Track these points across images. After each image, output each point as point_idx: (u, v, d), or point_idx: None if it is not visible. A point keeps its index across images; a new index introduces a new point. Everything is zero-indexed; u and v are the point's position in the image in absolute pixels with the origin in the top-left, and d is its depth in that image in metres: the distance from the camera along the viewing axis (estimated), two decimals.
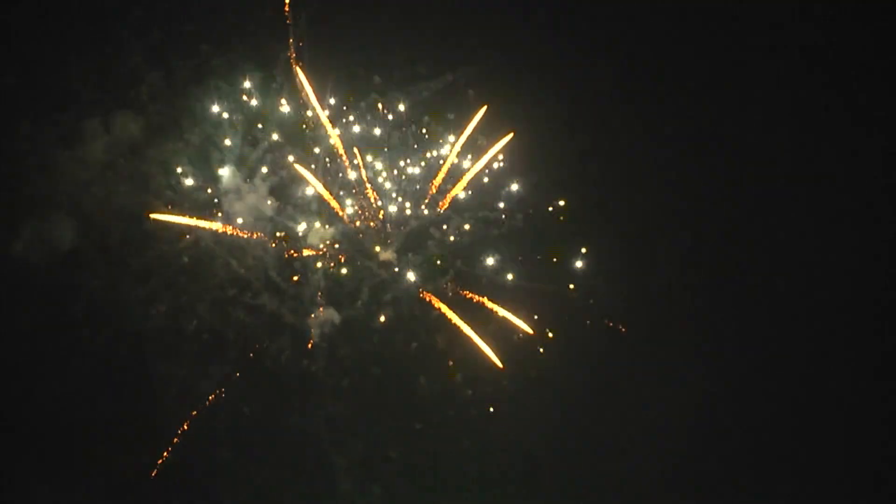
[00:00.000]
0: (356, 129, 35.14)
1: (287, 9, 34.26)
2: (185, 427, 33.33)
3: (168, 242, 33.69)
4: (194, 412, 33.43)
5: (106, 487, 33.06)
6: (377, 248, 35.03)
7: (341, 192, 34.96)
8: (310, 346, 34.06)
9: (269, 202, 34.06)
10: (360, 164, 34.67)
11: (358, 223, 34.96)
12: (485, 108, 34.51)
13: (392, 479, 34.51)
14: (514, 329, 34.42)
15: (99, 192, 33.17)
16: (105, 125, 33.38)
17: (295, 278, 34.42)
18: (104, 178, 33.28)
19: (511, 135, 34.59)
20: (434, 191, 35.17)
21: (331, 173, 34.82)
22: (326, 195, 34.53)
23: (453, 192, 34.99)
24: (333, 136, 34.51)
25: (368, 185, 34.79)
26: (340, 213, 34.86)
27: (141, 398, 33.61)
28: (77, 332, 33.20)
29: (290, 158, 34.51)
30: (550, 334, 34.61)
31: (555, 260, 35.23)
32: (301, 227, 34.34)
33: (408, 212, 35.31)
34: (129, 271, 33.63)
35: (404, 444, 34.63)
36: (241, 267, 33.93)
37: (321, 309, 34.15)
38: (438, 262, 34.97)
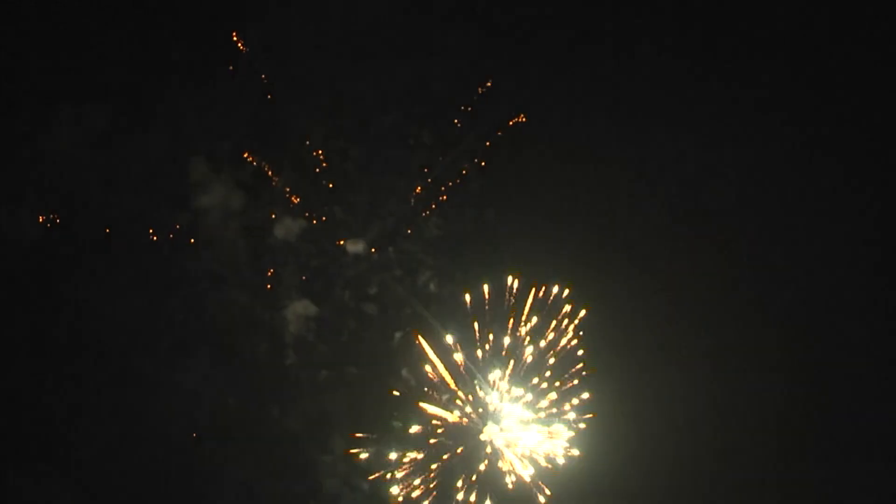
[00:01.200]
0: None
1: None
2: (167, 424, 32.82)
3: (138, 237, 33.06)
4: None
5: (87, 484, 32.63)
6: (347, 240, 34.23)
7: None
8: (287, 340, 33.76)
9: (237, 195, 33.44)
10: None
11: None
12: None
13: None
14: None
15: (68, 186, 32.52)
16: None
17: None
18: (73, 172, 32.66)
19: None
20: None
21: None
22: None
23: None
24: None
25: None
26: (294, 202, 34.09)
27: (119, 395, 32.95)
28: (49, 328, 32.75)
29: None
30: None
31: None
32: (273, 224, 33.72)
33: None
34: (99, 267, 32.98)
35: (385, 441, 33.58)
36: (214, 262, 33.38)
37: (296, 302, 33.70)
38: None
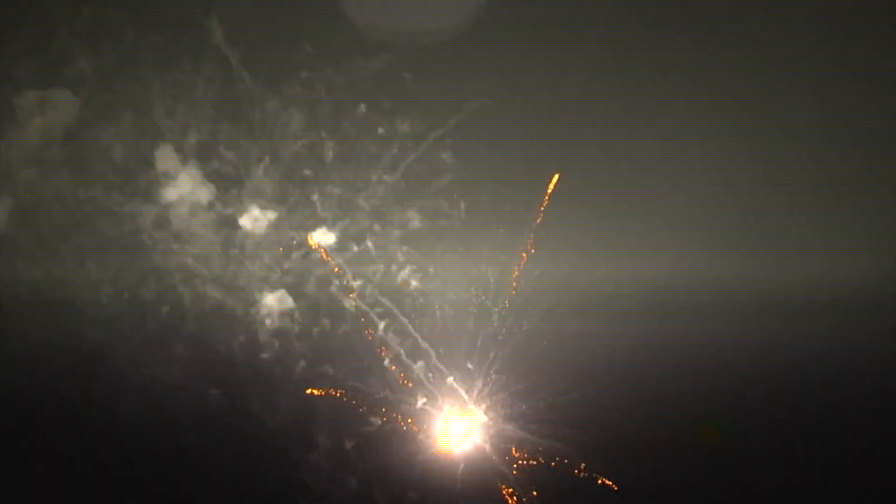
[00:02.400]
0: None
1: None
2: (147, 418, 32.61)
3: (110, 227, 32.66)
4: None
5: (68, 477, 32.68)
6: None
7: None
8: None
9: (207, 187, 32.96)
10: None
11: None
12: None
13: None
14: None
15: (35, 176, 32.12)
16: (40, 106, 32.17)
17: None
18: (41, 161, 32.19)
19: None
20: None
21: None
22: None
23: None
24: None
25: None
26: None
27: (95, 389, 33.26)
28: (18, 325, 32.58)
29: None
30: None
31: None
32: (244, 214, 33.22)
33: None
34: (69, 258, 32.62)
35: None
36: (186, 254, 32.98)
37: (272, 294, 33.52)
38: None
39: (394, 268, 33.29)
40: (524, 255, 33.48)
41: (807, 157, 35.35)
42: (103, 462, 32.62)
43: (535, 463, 33.05)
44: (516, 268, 33.47)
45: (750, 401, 34.55)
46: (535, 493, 32.89)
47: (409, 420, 33.46)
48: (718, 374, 34.93)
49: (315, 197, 33.51)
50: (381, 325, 33.23)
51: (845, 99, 34.52)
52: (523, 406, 33.55)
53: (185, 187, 32.55)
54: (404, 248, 33.46)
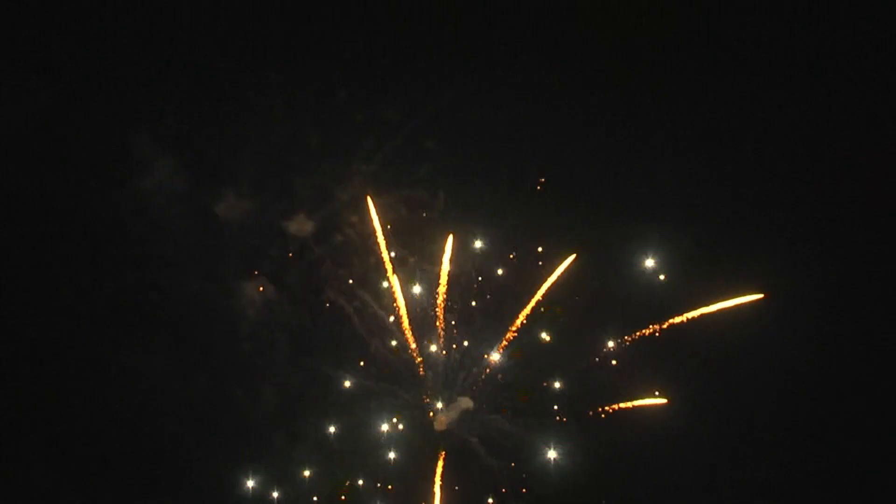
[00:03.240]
0: None
1: None
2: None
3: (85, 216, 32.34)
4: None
5: (57, 468, 32.56)
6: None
7: None
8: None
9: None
10: None
11: None
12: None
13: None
14: None
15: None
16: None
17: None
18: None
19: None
20: None
21: None
22: None
23: None
24: None
25: None
26: None
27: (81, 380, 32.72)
28: None
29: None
30: None
31: None
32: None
33: None
34: (46, 248, 32.36)
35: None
36: (163, 242, 32.58)
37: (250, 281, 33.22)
38: None
39: (373, 260, 32.99)
40: (511, 255, 33.42)
41: None
42: (86, 450, 32.56)
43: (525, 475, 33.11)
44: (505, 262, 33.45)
45: None
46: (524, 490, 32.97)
47: (395, 412, 33.38)
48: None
49: (294, 185, 33.19)
50: (361, 316, 33.07)
51: None
52: (507, 395, 33.37)
53: (163, 175, 32.12)
54: (384, 239, 33.12)
